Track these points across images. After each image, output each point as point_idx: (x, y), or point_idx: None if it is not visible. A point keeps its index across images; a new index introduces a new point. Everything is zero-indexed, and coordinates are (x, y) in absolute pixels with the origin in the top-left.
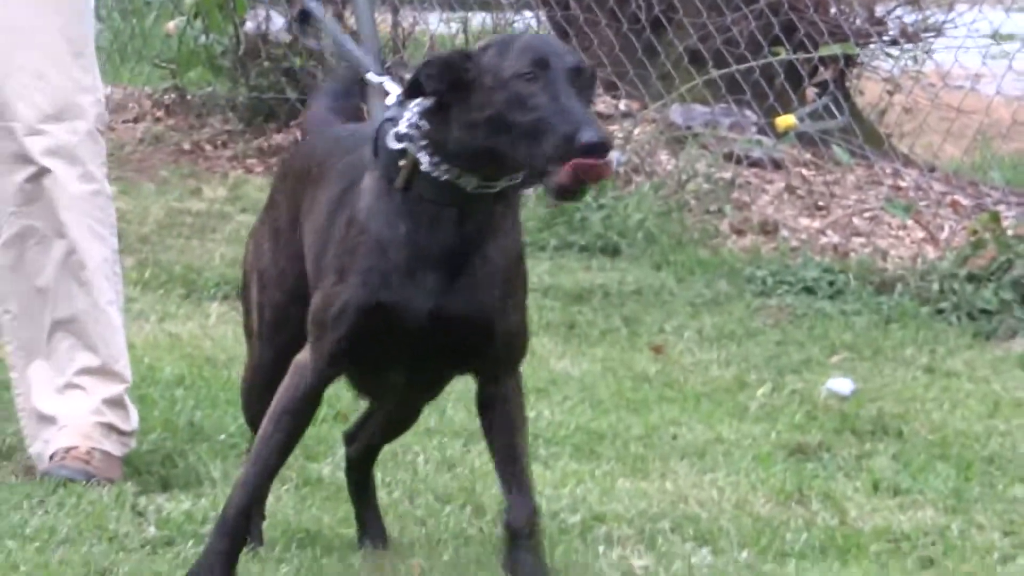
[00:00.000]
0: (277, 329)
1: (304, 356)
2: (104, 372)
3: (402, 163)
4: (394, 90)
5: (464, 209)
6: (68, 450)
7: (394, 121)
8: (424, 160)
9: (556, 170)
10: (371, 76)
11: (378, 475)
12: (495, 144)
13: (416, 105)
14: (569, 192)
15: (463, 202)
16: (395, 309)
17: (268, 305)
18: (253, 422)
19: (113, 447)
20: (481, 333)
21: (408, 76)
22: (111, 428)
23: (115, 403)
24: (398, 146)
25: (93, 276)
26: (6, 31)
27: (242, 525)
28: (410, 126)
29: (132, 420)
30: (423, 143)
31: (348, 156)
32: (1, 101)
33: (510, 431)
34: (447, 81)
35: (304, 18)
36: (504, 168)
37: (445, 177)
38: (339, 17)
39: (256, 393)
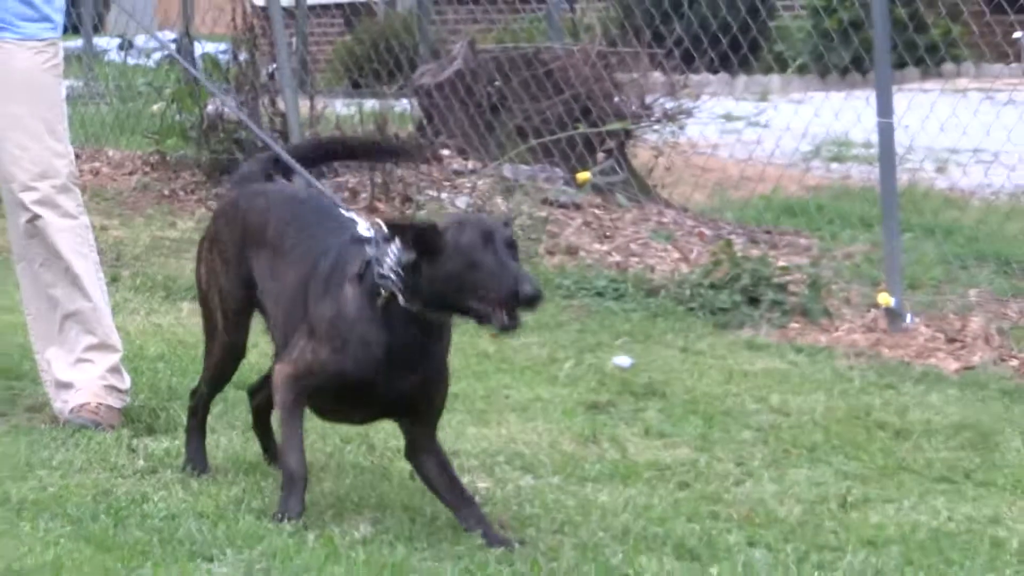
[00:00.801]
0: (235, 327)
1: (284, 373)
2: (103, 347)
3: (383, 293)
4: (363, 226)
5: (423, 327)
6: (82, 406)
7: (378, 261)
8: (400, 299)
9: (498, 313)
10: (359, 224)
11: None
12: (455, 299)
13: (393, 254)
14: (510, 329)
15: (424, 324)
16: (374, 384)
17: (227, 311)
18: (215, 390)
19: (114, 402)
20: (426, 403)
21: (383, 223)
22: (112, 388)
23: (114, 369)
24: (381, 281)
25: (85, 282)
26: (2, 118)
27: (303, 472)
28: (391, 271)
29: (126, 381)
30: (400, 287)
31: (323, 256)
32: (2, 168)
33: (446, 467)
34: (422, 246)
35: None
36: (460, 312)
37: (415, 310)
38: (272, 102)
39: (225, 371)
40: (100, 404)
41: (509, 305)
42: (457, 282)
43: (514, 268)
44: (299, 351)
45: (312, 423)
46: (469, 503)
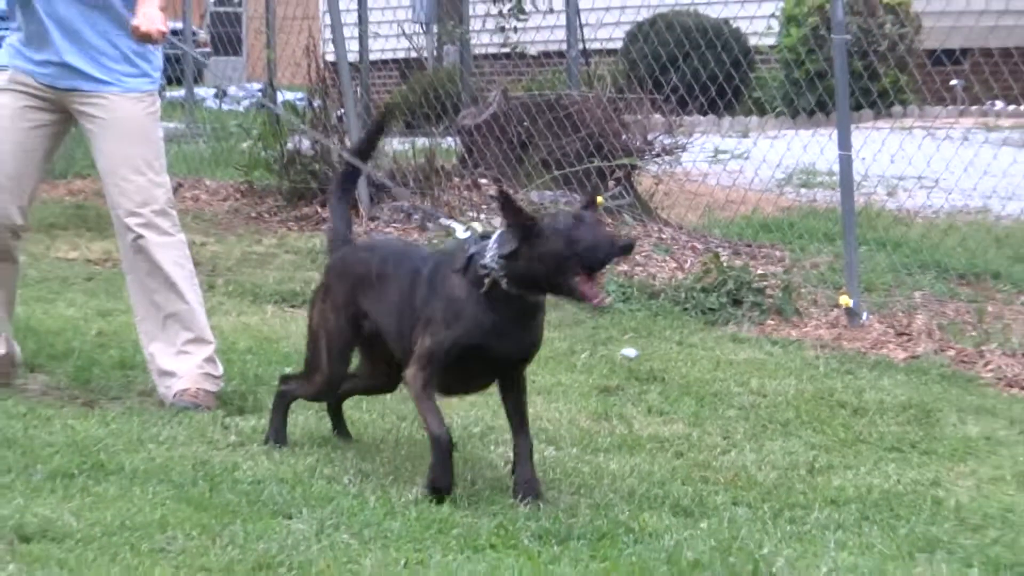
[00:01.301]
0: (338, 361)
1: (412, 369)
2: (199, 341)
3: (487, 279)
4: (459, 229)
5: (523, 305)
6: (184, 391)
7: (480, 254)
8: (503, 283)
9: (583, 288)
10: (456, 227)
11: (362, 404)
12: (555, 278)
13: (495, 244)
14: (603, 301)
15: (523, 303)
16: (485, 352)
17: (332, 348)
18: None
19: (210, 386)
20: (524, 364)
21: (476, 224)
22: (208, 375)
23: (209, 359)
24: (484, 271)
25: (182, 287)
26: (111, 157)
27: (447, 438)
28: (493, 260)
29: (220, 369)
30: (502, 273)
31: (423, 265)
32: (112, 198)
33: (520, 406)
34: (525, 232)
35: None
36: (557, 291)
37: (516, 293)
38: (341, 141)
39: (321, 395)
40: (199, 389)
41: (608, 259)
42: (558, 260)
43: (606, 233)
44: (419, 346)
45: (368, 404)
46: (524, 437)
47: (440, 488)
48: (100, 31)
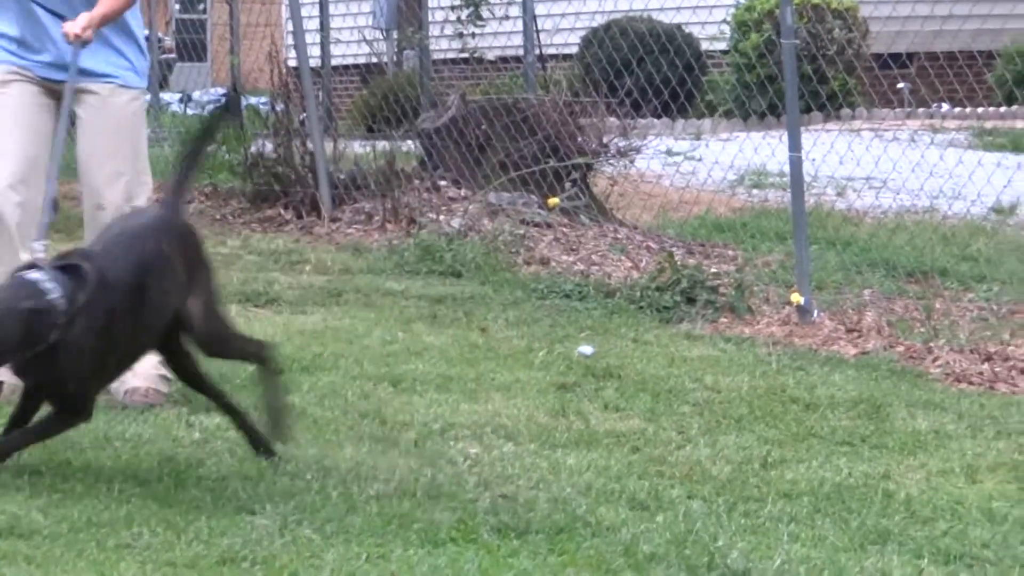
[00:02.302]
0: None
1: None
2: None
3: None
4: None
5: None
6: (135, 390)
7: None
8: None
9: None
10: None
11: (324, 401)
12: None
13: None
14: None
15: None
16: None
17: None
18: None
19: (163, 387)
20: None
21: None
22: (163, 377)
23: (164, 362)
24: None
25: None
26: (100, 149)
27: None
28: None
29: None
30: None
31: None
32: (93, 190)
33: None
34: None
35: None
36: None
37: None
38: (303, 143)
39: None
40: (150, 388)
41: None
42: None
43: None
44: None
45: (329, 401)
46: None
47: None
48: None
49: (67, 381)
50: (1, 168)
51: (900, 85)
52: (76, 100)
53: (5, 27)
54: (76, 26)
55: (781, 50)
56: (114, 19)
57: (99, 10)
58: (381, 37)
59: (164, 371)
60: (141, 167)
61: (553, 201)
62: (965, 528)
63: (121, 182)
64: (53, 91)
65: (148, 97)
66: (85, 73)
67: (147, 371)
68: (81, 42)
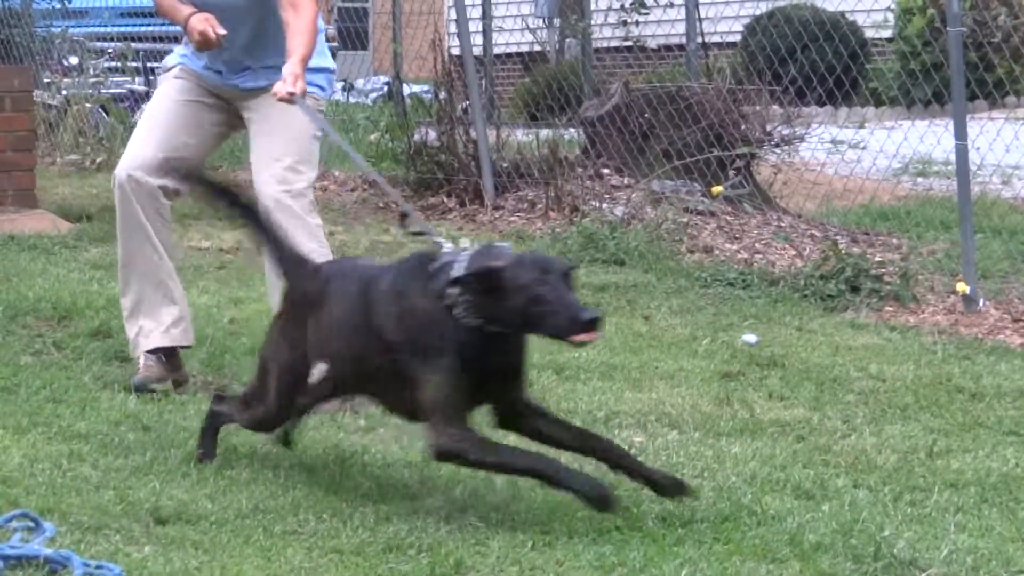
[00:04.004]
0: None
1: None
2: None
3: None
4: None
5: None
6: None
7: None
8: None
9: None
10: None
11: None
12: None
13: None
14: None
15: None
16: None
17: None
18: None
19: None
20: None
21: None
22: None
23: None
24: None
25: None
26: (273, 142)
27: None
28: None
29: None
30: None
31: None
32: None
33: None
34: (483, 290)
35: (403, 218)
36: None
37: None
38: (466, 132)
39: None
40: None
41: (570, 332)
42: (518, 314)
43: (572, 298)
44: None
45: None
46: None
47: (603, 499)
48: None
49: None
50: (137, 154)
51: None
52: (248, 103)
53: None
54: (286, 86)
55: (947, 38)
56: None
57: (297, 57)
58: (543, 25)
59: None
60: (298, 162)
61: (717, 189)
62: None
63: (278, 167)
64: (225, 100)
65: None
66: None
67: None
68: (295, 96)
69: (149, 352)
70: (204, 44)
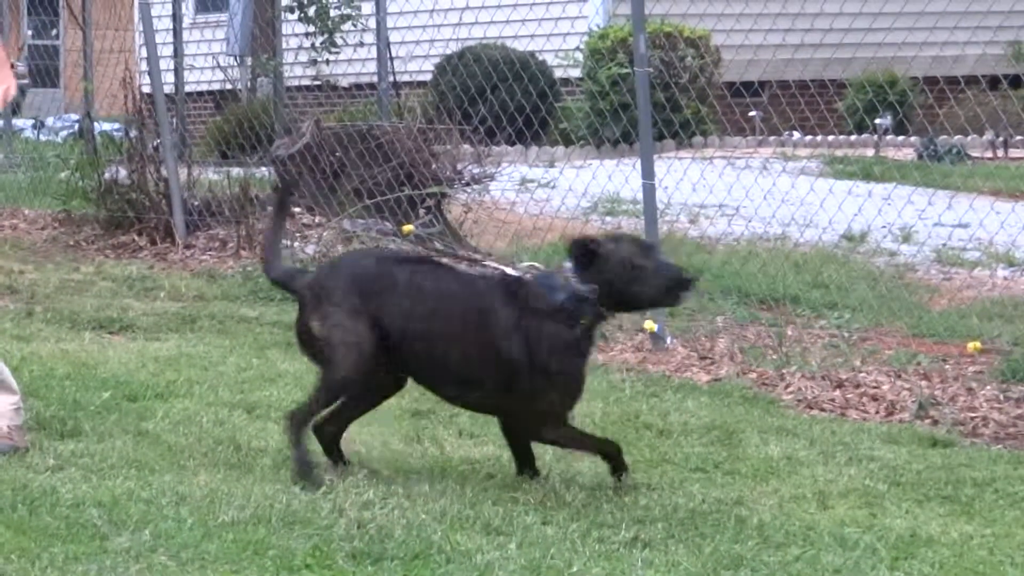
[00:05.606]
0: (360, 362)
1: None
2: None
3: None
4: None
5: None
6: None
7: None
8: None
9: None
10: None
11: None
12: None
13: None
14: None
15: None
16: None
17: (354, 350)
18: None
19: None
20: None
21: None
22: (19, 409)
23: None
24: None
25: None
26: None
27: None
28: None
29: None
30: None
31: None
32: None
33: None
34: (586, 259)
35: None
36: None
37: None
38: (157, 170)
39: (335, 397)
40: (11, 427)
41: (680, 291)
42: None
43: (670, 264)
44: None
45: (184, 428)
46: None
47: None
48: None
49: None
50: None
51: (752, 113)
52: None
53: None
54: None
55: (634, 78)
56: None
57: None
58: (235, 63)
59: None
60: None
61: (407, 228)
62: (817, 554)
63: None
64: None
65: None
66: None
67: (5, 409)
68: None
69: None
70: None
